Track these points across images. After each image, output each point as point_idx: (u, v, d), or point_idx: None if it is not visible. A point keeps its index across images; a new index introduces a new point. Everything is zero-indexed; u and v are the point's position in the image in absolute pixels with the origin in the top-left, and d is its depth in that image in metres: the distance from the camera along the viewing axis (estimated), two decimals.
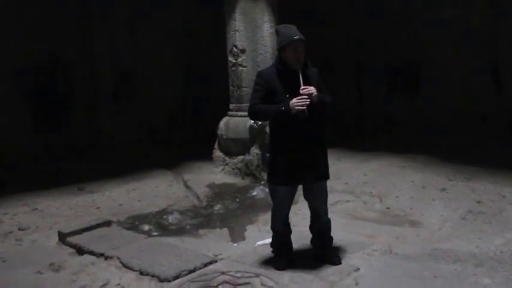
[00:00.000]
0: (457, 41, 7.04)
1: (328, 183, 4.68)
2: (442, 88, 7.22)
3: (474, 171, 5.41)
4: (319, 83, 3.22)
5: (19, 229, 4.35)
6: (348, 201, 4.94)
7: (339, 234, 3.72)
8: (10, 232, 4.29)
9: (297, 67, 3.11)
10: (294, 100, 3.03)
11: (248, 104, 3.32)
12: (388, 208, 4.70)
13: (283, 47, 3.14)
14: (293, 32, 3.13)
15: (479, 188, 4.92)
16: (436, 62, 7.26)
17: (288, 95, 3.08)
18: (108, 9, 7.15)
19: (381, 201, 4.89)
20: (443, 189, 5.01)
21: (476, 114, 6.79)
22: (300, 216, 4.19)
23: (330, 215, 3.48)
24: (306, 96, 3.02)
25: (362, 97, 8.10)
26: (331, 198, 4.65)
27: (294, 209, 4.13)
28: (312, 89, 3.04)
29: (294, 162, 3.15)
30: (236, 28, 5.70)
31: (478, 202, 4.60)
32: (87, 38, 7.07)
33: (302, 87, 3.04)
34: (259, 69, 4.54)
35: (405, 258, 3.42)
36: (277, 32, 3.26)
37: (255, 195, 5.23)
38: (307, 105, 3.02)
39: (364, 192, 5.13)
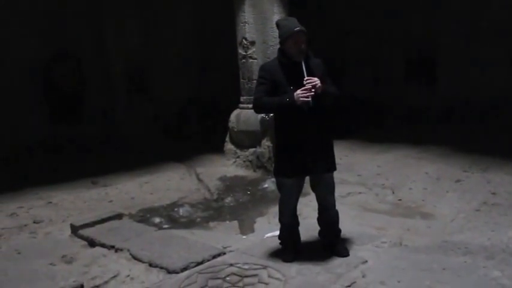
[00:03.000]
0: (475, 29, 6.88)
1: (341, 175, 4.69)
2: (459, 77, 7.09)
3: (490, 162, 5.31)
4: (323, 74, 3.19)
5: (34, 222, 4.45)
6: (360, 193, 4.90)
7: (348, 226, 3.70)
8: (25, 225, 4.39)
9: (299, 59, 3.09)
10: (299, 91, 3.02)
11: None
12: (400, 200, 4.65)
13: (284, 39, 3.14)
14: (293, 24, 3.12)
15: (494, 179, 4.83)
16: (453, 51, 7.12)
17: (291, 87, 3.07)
18: (119, 3, 7.19)
19: (393, 193, 4.85)
20: (458, 181, 4.93)
21: (494, 104, 6.64)
22: (310, 207, 4.17)
23: (340, 207, 3.46)
24: (310, 87, 3.00)
25: (378, 86, 8.00)
26: (343, 190, 4.66)
27: (304, 200, 4.13)
28: (316, 80, 3.02)
29: (299, 154, 3.13)
30: (245, 20, 5.67)
31: (493, 194, 4.51)
32: (99, 33, 7.14)
33: (306, 78, 3.02)
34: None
35: (415, 251, 3.37)
36: (277, 26, 3.26)
37: (266, 188, 5.23)
38: (312, 96, 3.00)
39: (377, 184, 5.09)
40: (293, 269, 3.14)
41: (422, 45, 7.47)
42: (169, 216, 4.62)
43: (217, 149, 6.28)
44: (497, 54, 6.73)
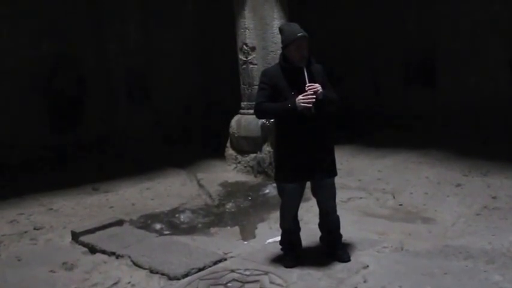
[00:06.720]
0: (474, 32, 6.89)
1: (342, 180, 4.68)
2: (459, 80, 7.09)
3: (490, 166, 5.30)
4: (324, 80, 3.22)
5: (34, 229, 4.44)
6: (361, 198, 4.90)
7: (349, 231, 3.70)
8: (25, 232, 4.38)
9: (301, 64, 3.12)
10: (300, 97, 3.04)
11: None
12: (401, 205, 4.64)
13: (286, 44, 3.17)
14: (296, 29, 3.15)
15: (495, 184, 4.82)
16: (453, 54, 7.12)
17: (293, 93, 3.09)
18: (119, 8, 7.23)
19: (394, 197, 4.85)
20: (458, 185, 4.93)
21: (494, 107, 6.63)
22: (312, 213, 4.16)
23: (341, 212, 3.46)
24: (312, 93, 3.01)
25: (378, 90, 8.00)
26: (343, 195, 4.67)
27: (306, 206, 4.13)
28: (317, 86, 3.04)
29: (300, 160, 3.14)
30: (246, 26, 5.69)
31: (494, 198, 4.51)
32: (99, 38, 7.16)
33: (308, 84, 3.03)
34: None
35: (416, 255, 3.38)
36: (280, 31, 3.29)
37: (267, 193, 5.22)
38: (313, 102, 3.02)
39: (377, 189, 5.08)
40: (294, 274, 3.15)
41: (421, 48, 7.46)
42: (170, 222, 4.61)
43: (218, 154, 6.28)
44: (497, 56, 6.73)
